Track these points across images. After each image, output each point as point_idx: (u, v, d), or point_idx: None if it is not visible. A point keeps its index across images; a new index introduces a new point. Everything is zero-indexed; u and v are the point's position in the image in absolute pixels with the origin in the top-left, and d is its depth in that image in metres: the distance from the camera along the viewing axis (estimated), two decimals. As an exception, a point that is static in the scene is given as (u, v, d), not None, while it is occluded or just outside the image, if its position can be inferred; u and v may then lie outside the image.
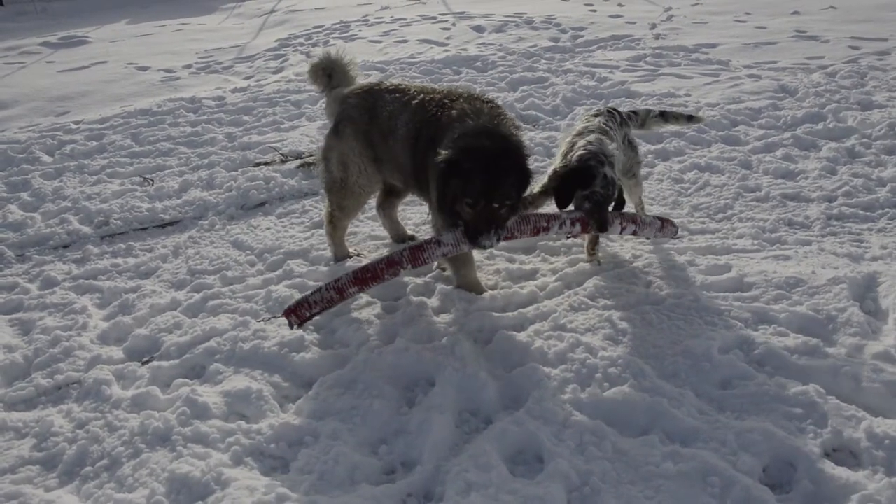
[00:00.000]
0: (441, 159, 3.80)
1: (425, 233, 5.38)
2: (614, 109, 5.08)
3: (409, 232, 5.47)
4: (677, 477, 3.04)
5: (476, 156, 3.73)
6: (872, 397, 3.49)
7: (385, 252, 5.26)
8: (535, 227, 4.14)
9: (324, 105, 5.23)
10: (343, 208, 4.96)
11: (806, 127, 7.21)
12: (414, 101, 4.42)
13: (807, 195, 5.79)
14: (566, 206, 4.26)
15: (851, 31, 10.78)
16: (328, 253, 5.23)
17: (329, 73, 5.09)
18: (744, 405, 3.47)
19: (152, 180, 7.10)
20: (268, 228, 5.91)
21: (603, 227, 4.22)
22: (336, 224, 5.06)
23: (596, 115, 4.87)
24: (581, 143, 4.39)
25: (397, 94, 4.56)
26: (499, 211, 3.79)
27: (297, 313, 4.06)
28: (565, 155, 4.48)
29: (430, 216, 4.52)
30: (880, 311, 4.20)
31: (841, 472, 3.04)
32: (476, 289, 4.55)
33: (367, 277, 3.98)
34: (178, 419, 3.61)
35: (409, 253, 3.96)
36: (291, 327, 4.05)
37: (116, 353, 4.36)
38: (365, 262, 3.96)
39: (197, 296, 4.88)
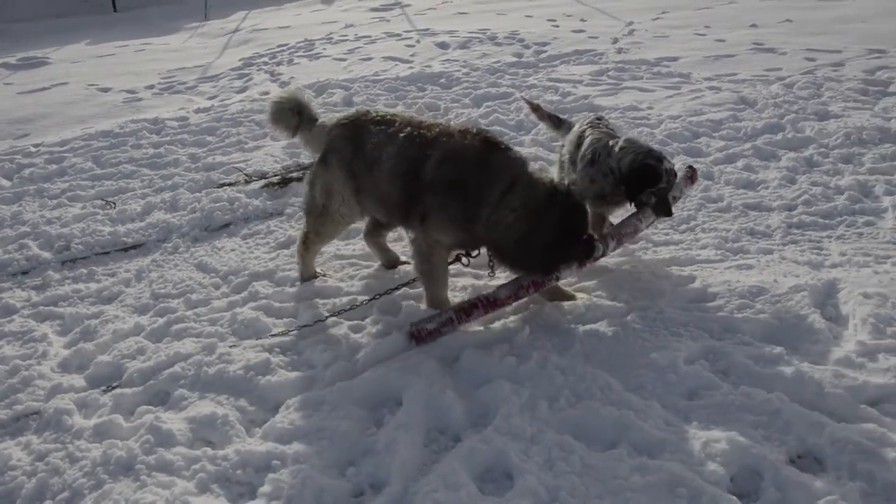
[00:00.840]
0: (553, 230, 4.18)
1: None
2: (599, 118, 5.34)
3: (403, 258, 5.33)
4: (645, 489, 3.05)
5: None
6: (835, 403, 3.53)
7: (358, 278, 5.24)
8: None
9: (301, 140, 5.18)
10: (320, 234, 4.97)
11: (765, 137, 7.31)
12: (402, 135, 4.46)
13: (768, 205, 5.87)
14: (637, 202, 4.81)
15: (807, 43, 10.98)
16: (294, 273, 5.19)
17: (298, 111, 5.05)
18: (710, 415, 3.50)
19: (114, 203, 7.01)
20: (232, 250, 5.86)
21: (668, 214, 4.85)
22: (309, 246, 5.06)
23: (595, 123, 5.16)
24: (617, 143, 4.80)
25: (383, 126, 4.58)
26: None
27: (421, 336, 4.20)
28: (572, 155, 5.01)
29: (412, 245, 4.51)
30: (841, 317, 4.26)
31: (806, 479, 3.08)
32: (444, 307, 4.54)
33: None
34: (142, 447, 3.54)
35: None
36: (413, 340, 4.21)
37: (78, 381, 4.28)
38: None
39: (161, 320, 4.82)
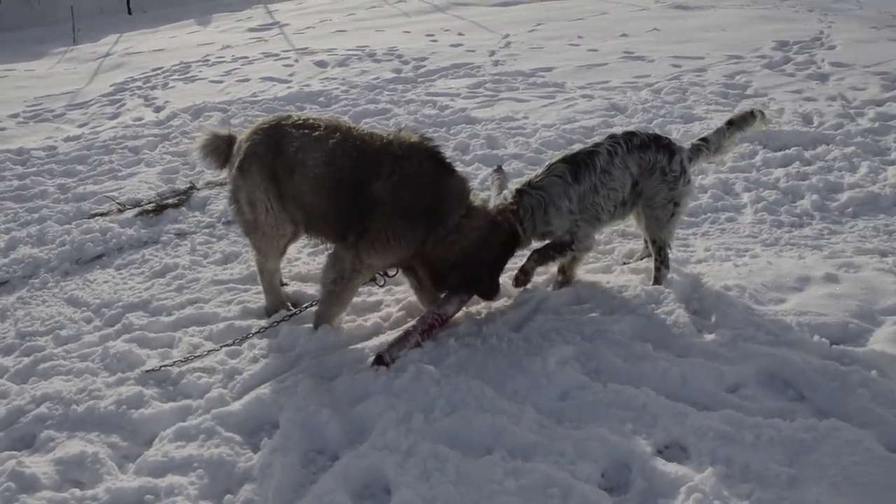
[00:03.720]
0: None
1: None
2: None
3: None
4: (518, 492, 3.11)
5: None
6: (697, 393, 3.70)
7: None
8: None
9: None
10: (261, 251, 4.75)
11: (635, 142, 7.59)
12: (331, 141, 4.32)
13: (637, 207, 6.09)
14: None
15: (673, 50, 11.50)
16: (170, 301, 5.06)
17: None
18: (581, 415, 3.60)
19: (-25, 240, 6.65)
20: (105, 282, 5.65)
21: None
22: (260, 268, 4.86)
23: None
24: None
25: (306, 130, 4.43)
26: None
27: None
28: None
29: (332, 259, 4.42)
30: (704, 309, 4.47)
31: (671, 468, 3.21)
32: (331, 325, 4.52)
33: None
34: (2, 497, 3.36)
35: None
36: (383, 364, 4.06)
37: (-70, 432, 4.02)
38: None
39: (26, 360, 4.59)
